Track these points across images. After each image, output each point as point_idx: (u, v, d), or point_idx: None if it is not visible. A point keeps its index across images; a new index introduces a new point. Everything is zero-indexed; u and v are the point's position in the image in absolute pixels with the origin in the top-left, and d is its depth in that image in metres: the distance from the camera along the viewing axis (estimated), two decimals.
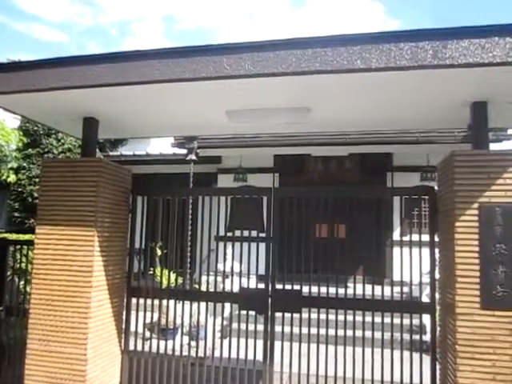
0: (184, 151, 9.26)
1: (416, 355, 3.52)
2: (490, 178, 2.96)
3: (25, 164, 10.83)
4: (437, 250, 3.53)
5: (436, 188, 3.64)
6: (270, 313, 3.76)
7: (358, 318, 3.59)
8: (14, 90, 3.18)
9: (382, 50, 2.62)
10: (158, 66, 2.89)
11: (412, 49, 2.58)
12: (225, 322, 6.08)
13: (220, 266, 5.87)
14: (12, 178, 8.48)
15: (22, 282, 4.78)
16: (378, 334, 3.57)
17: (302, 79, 2.85)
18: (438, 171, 3.53)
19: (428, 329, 3.60)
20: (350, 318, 3.64)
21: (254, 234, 4.08)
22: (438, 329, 3.51)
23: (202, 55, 2.84)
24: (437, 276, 3.53)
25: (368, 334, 3.56)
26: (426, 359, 3.48)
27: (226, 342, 4.11)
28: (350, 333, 3.60)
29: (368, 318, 3.59)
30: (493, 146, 3.35)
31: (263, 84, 2.99)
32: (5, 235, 7.88)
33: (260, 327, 3.77)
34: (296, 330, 3.68)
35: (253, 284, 4.22)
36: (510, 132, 7.78)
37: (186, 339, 4.44)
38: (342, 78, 2.83)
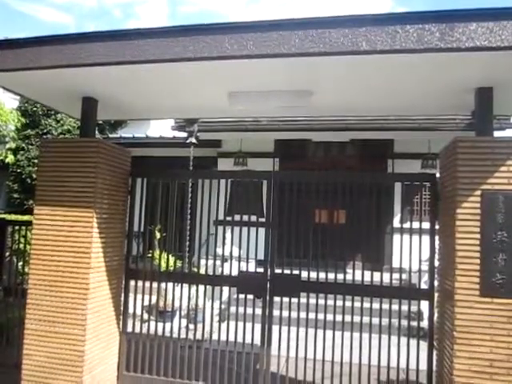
0: (184, 134, 9.19)
1: (413, 341, 3.54)
2: (493, 165, 2.92)
3: (23, 145, 10.76)
4: (437, 238, 3.52)
5: (437, 175, 3.61)
6: (268, 297, 3.76)
7: (357, 304, 3.59)
8: (9, 67, 3.10)
9: (388, 31, 2.55)
10: (158, 44, 2.81)
11: (418, 31, 2.52)
12: (223, 306, 6.10)
13: (219, 250, 5.86)
14: (10, 158, 8.45)
15: (21, 263, 4.79)
16: (376, 320, 3.58)
17: (305, 61, 2.79)
18: (441, 157, 3.49)
19: (426, 315, 3.61)
20: (348, 303, 3.64)
21: (253, 218, 4.06)
22: (436, 315, 3.51)
23: (204, 34, 2.76)
24: (436, 263, 3.52)
25: (366, 319, 3.57)
26: (423, 345, 3.50)
27: (224, 325, 4.12)
28: (348, 318, 3.61)
29: (366, 304, 3.60)
30: (495, 134, 3.30)
31: (265, 65, 2.93)
32: (3, 216, 7.88)
33: (258, 311, 3.78)
34: (294, 314, 3.69)
35: (252, 269, 4.21)
36: None
37: (184, 322, 4.46)
38: (346, 60, 2.77)
